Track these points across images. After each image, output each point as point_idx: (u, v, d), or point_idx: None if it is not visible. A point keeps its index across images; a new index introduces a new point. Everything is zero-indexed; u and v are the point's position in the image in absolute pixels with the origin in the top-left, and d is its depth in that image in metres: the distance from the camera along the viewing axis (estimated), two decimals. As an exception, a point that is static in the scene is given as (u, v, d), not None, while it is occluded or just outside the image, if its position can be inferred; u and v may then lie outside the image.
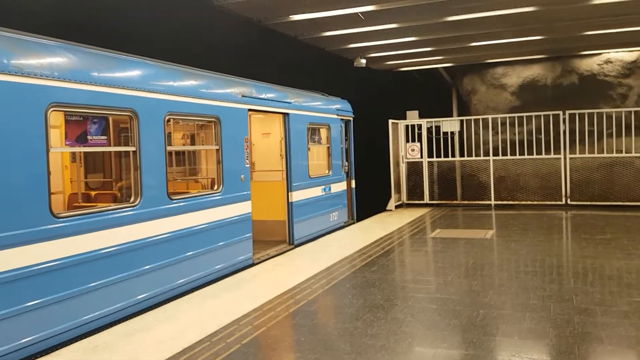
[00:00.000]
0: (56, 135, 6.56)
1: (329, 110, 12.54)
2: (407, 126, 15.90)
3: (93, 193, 7.82)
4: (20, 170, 5.00)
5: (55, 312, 5.25)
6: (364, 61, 15.40)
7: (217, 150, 8.17)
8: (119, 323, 5.82)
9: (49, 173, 5.28)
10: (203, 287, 7.20)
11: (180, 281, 7.04)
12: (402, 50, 15.01)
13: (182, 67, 7.77)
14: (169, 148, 7.08)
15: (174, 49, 11.04)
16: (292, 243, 10.28)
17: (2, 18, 6.00)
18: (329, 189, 12.14)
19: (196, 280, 7.34)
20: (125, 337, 5.33)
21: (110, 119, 7.13)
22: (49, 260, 5.20)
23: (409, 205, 15.72)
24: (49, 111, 5.31)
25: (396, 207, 15.32)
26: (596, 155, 14.59)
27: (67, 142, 6.40)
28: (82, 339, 5.37)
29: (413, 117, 16.10)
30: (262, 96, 9.53)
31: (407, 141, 15.86)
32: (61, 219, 5.40)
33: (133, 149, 6.44)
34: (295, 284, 7.20)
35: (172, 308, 6.29)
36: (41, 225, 5.15)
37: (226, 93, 8.42)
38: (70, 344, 5.24)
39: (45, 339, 5.13)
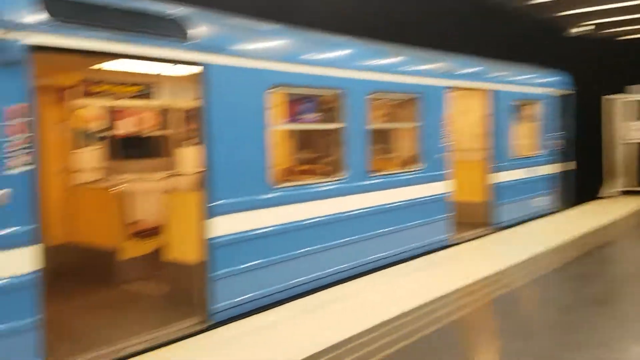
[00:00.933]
0: (274, 114, 7.11)
1: (540, 84, 11.54)
2: (626, 103, 13.90)
3: (303, 167, 8.38)
4: (248, 146, 5.56)
5: (268, 274, 5.76)
6: (581, 29, 13.81)
7: (417, 127, 8.11)
8: (322, 290, 6.16)
9: (268, 148, 5.79)
10: (398, 264, 7.26)
11: (378, 255, 7.19)
12: (630, 15, 13.07)
13: (384, 45, 7.83)
14: (370, 126, 7.23)
15: (375, 24, 11.08)
16: (493, 226, 9.80)
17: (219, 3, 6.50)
18: (537, 171, 11.24)
19: (391, 256, 7.42)
20: (332, 302, 5.65)
21: (319, 98, 7.56)
22: (265, 225, 5.73)
23: (627, 193, 13.85)
24: (270, 92, 5.79)
25: (612, 194, 13.62)
26: None
27: (284, 121, 6.93)
28: (291, 300, 5.81)
29: (638, 92, 14.01)
30: (464, 71, 9.15)
31: (629, 120, 13.90)
32: (276, 189, 5.90)
33: (341, 126, 6.72)
34: (497, 269, 6.84)
35: (371, 280, 6.48)
36: (261, 195, 5.69)
37: (427, 69, 8.27)
38: (281, 304, 5.70)
39: (260, 298, 5.67)
